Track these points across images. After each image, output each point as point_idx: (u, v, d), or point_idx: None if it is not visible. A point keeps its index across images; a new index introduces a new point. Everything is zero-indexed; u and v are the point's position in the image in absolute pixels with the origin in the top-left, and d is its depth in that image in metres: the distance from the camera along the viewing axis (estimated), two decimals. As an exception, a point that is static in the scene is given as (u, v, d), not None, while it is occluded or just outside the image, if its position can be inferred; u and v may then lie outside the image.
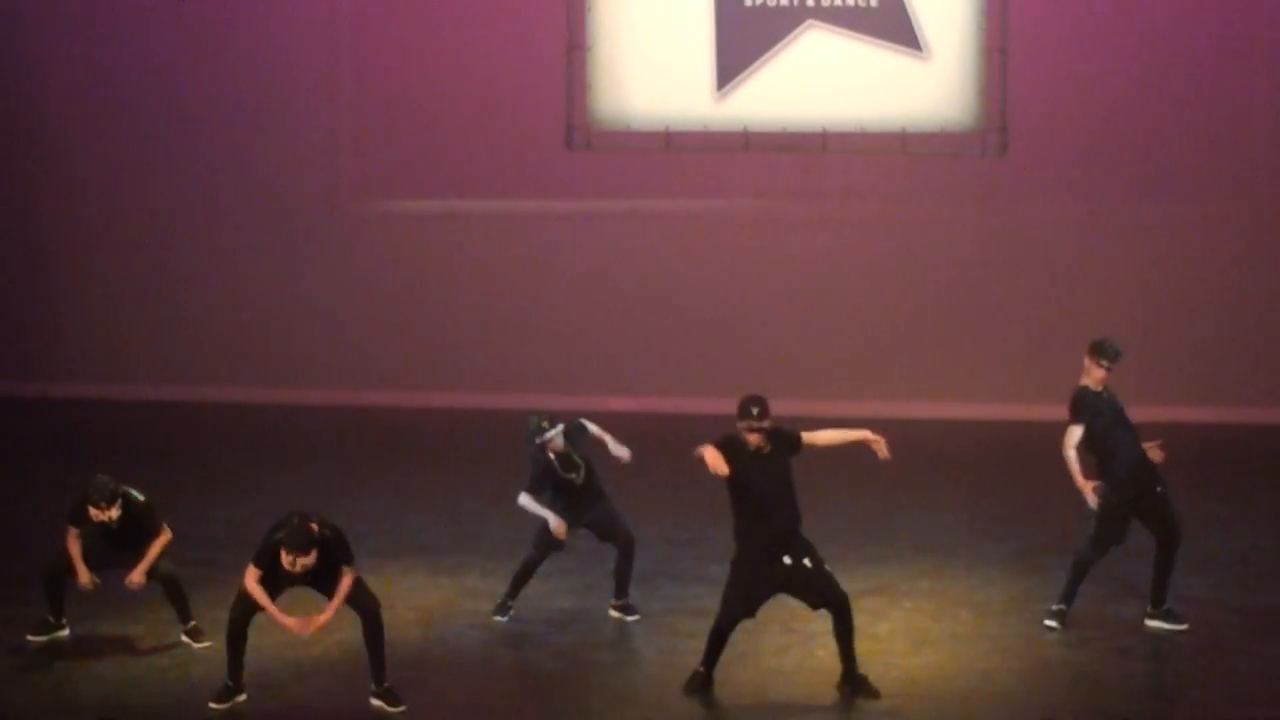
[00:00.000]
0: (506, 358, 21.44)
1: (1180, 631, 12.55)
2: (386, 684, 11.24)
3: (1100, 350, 12.58)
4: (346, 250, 21.92)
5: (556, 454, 12.71)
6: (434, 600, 13.29)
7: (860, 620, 12.79)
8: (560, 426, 12.77)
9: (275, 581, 11.11)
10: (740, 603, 11.25)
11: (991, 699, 11.50)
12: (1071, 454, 12.40)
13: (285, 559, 10.90)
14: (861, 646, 12.10)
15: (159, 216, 22.04)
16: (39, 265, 22.28)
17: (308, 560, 10.91)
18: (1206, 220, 20.84)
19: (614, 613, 13.02)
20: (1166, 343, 20.53)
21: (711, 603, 13.28)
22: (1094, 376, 12.59)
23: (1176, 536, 12.60)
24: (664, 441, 20.10)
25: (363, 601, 11.24)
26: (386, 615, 13.00)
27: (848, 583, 13.64)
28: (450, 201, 21.71)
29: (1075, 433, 12.44)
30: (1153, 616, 12.66)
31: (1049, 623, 12.67)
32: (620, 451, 12.98)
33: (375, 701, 11.19)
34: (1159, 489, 12.56)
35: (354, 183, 22.03)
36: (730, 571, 11.37)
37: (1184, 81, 20.70)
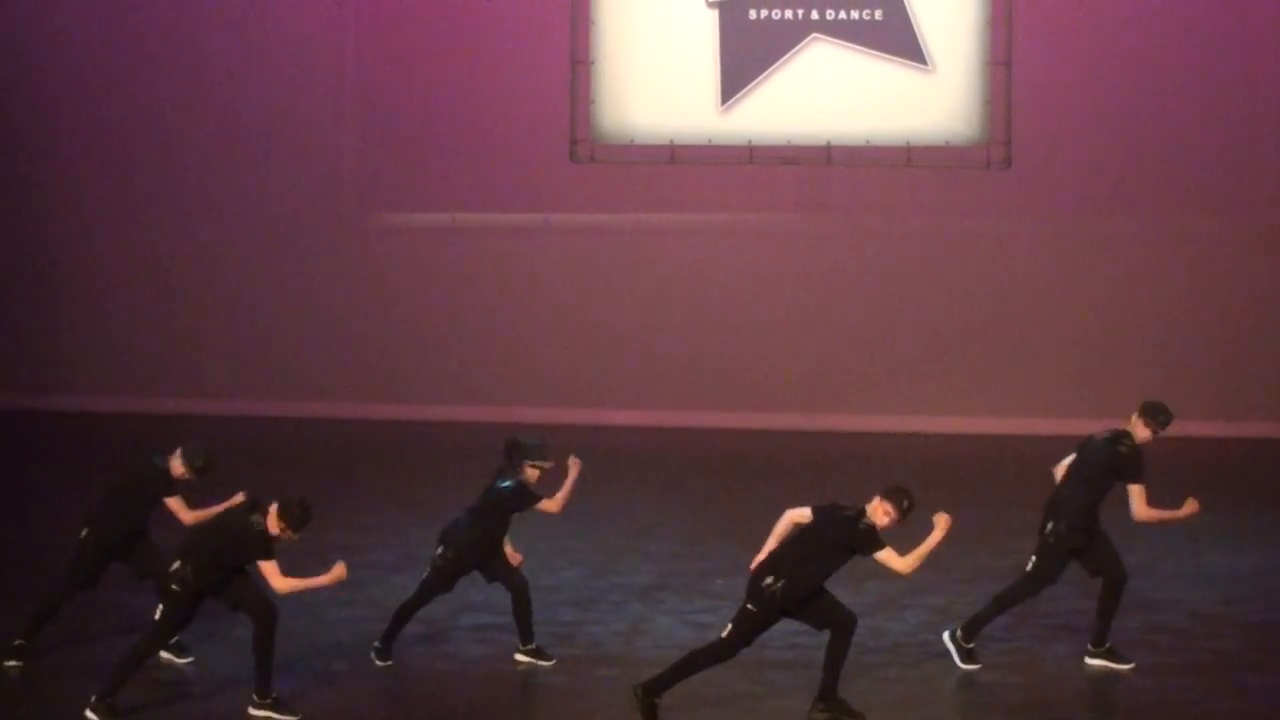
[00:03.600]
0: (511, 371, 21.42)
1: (1127, 670, 12.25)
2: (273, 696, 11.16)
3: (1155, 414, 12.16)
4: (350, 263, 21.90)
5: (530, 481, 12.05)
6: (438, 613, 13.23)
7: (864, 634, 12.78)
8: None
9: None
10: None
11: (996, 713, 11.46)
12: (1153, 510, 11.94)
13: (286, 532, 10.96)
14: (865, 660, 12.09)
15: (162, 229, 22.03)
16: (42, 278, 22.26)
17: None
18: (1211, 234, 20.81)
19: (523, 658, 12.27)
20: (1173, 356, 20.50)
21: (715, 617, 13.27)
22: (1141, 436, 12.11)
23: (1123, 579, 12.18)
24: (668, 455, 20.17)
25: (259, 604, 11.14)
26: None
27: (852, 596, 13.62)
28: (455, 215, 21.69)
29: (1144, 493, 11.97)
30: (1095, 655, 12.27)
31: (966, 666, 12.09)
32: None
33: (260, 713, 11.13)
34: (1102, 534, 12.19)
35: (358, 196, 22.02)
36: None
37: (1188, 95, 20.69)
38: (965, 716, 11.41)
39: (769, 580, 10.84)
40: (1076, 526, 12.02)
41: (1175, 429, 17.37)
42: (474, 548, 12.11)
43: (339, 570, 11.03)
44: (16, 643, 12.09)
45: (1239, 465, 19.24)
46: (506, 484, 12.09)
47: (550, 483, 12.19)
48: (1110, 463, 12.05)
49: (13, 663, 12.04)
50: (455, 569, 12.15)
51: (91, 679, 11.31)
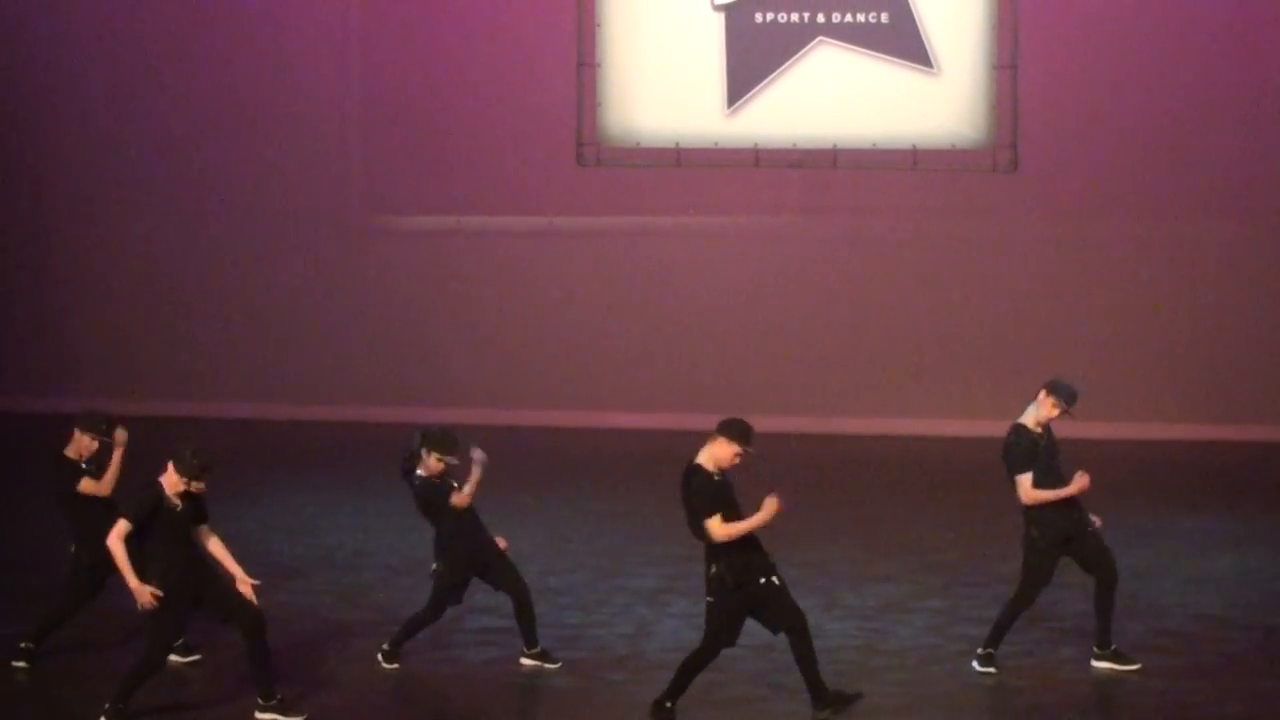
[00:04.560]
0: (516, 374, 21.41)
1: (1133, 671, 12.18)
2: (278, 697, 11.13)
3: (1057, 390, 12.27)
4: (355, 266, 21.90)
5: (431, 474, 12.08)
6: (443, 616, 13.23)
7: (870, 637, 12.78)
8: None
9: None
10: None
11: (1002, 717, 11.45)
12: (1038, 492, 12.05)
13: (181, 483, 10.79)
14: (871, 662, 12.07)
15: (164, 231, 22.03)
16: (42, 279, 22.27)
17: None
18: (1217, 237, 20.79)
19: (528, 662, 12.23)
20: (1177, 360, 20.47)
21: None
22: (1041, 415, 12.22)
23: (1114, 575, 12.20)
24: (673, 457, 20.12)
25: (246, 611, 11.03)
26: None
27: (856, 600, 13.63)
28: (460, 218, 21.69)
29: (1029, 480, 12.13)
30: (1100, 658, 12.21)
31: (984, 669, 12.01)
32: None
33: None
34: (1090, 528, 12.12)
35: (364, 199, 22.02)
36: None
37: (1194, 97, 20.67)
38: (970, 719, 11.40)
39: (713, 569, 11.06)
40: (1050, 524, 12.03)
41: (1178, 433, 17.31)
42: (453, 554, 12.07)
43: (145, 595, 10.72)
44: (23, 645, 12.09)
45: (1244, 468, 19.21)
46: (417, 480, 12.07)
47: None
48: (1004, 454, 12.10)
49: (20, 664, 12.04)
50: (452, 578, 12.12)
51: (97, 682, 11.31)
